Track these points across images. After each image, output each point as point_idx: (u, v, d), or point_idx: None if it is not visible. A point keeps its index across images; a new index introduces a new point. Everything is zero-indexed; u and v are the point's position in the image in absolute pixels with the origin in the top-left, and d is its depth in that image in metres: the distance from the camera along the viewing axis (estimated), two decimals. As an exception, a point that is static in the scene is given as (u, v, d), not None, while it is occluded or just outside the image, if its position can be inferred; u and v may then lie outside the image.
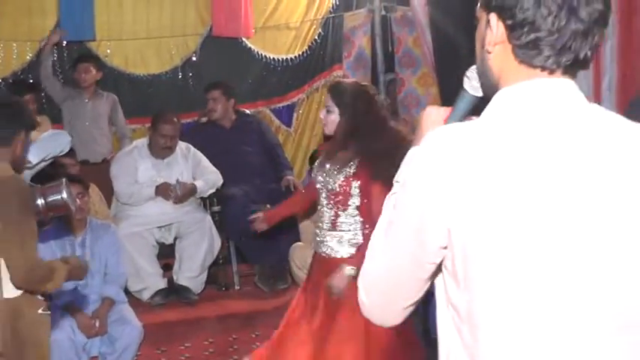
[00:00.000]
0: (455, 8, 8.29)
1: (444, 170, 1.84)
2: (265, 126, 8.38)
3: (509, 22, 1.92)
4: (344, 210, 4.81)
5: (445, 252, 1.89)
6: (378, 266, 2.01)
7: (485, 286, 1.84)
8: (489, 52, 2.00)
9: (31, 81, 8.32)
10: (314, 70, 9.51)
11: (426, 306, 7.06)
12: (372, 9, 9.42)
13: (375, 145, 4.65)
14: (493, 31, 1.96)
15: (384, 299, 2.04)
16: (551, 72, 1.92)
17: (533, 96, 1.90)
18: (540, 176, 1.81)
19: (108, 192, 7.54)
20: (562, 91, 1.90)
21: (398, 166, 2.07)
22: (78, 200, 6.22)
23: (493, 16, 1.95)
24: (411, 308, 2.05)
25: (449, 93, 8.39)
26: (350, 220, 4.81)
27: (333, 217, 4.82)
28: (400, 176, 2.03)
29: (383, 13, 9.43)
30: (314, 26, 9.47)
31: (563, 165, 1.82)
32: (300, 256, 6.51)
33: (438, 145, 1.89)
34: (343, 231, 4.82)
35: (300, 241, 6.88)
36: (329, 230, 4.84)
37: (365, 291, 2.06)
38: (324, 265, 4.85)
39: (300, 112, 9.46)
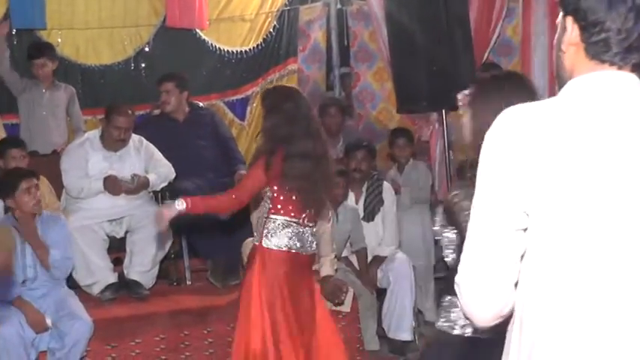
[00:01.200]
0: (411, 3, 8.27)
1: (518, 147, 2.04)
2: (219, 119, 8.26)
3: (582, 23, 2.10)
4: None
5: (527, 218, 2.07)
6: (472, 248, 2.15)
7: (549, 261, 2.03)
8: (564, 52, 2.18)
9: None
10: (268, 63, 9.43)
11: (379, 305, 7.11)
12: (328, 2, 9.41)
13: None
14: (568, 33, 2.15)
15: (480, 282, 2.13)
16: (619, 68, 2.10)
17: (601, 84, 2.09)
18: (606, 157, 2.01)
19: (57, 184, 7.40)
20: (627, 82, 2.10)
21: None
22: (37, 194, 6.18)
23: (569, 19, 2.14)
24: (506, 308, 2.14)
25: (403, 88, 8.39)
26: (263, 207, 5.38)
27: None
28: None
29: (339, 6, 9.43)
30: (269, 19, 9.39)
31: (630, 148, 2.01)
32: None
33: (512, 123, 2.09)
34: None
35: (252, 235, 6.78)
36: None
37: (464, 278, 2.17)
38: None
39: (254, 105, 9.34)
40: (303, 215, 5.33)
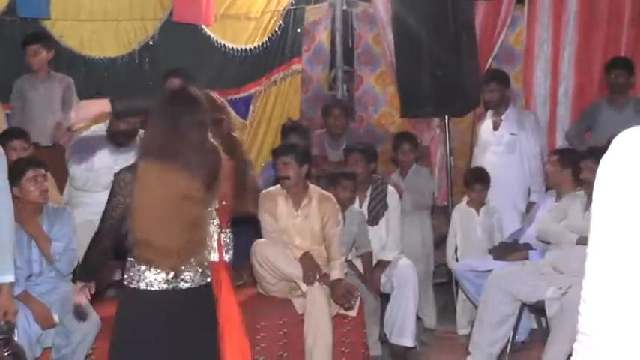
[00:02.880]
0: (418, 7, 8.26)
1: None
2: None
3: None
4: None
5: None
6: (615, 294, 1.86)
7: None
8: None
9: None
10: (272, 63, 9.40)
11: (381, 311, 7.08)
12: (334, 3, 9.36)
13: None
14: None
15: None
16: None
17: None
18: None
19: (59, 177, 7.31)
20: None
21: None
22: (44, 184, 6.11)
23: None
24: None
25: (407, 93, 8.38)
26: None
27: None
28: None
29: (344, 8, 9.38)
30: (274, 18, 9.36)
31: None
32: (261, 253, 6.39)
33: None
34: None
35: (261, 236, 6.74)
36: None
37: (605, 332, 1.87)
38: None
39: (257, 104, 9.35)
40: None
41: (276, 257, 6.31)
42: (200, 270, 4.15)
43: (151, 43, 8.97)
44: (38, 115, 7.97)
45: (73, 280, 6.01)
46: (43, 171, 6.09)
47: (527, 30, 9.02)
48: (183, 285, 4.10)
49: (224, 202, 4.71)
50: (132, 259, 4.10)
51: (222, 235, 4.79)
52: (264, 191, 6.67)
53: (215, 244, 4.71)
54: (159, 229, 3.97)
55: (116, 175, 4.17)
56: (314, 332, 6.10)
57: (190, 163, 3.96)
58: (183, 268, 4.08)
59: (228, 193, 4.75)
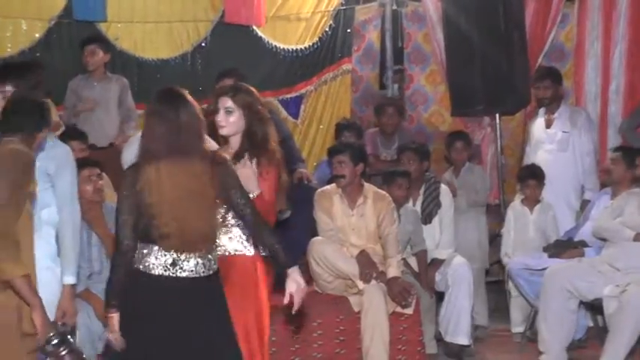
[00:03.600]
0: (469, 6, 8.26)
1: None
2: (277, 118, 8.22)
3: None
4: None
5: None
6: None
7: None
8: None
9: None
10: (323, 63, 9.45)
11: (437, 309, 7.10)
12: (384, 3, 9.38)
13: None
14: None
15: None
16: None
17: None
18: None
19: (115, 177, 7.39)
20: None
21: None
22: (98, 182, 6.19)
23: None
24: None
25: (458, 91, 8.38)
26: None
27: (223, 212, 4.59)
28: None
29: (394, 7, 9.39)
30: (325, 18, 9.41)
31: None
32: (318, 251, 6.42)
33: None
34: (233, 226, 4.77)
35: (317, 234, 6.77)
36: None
37: None
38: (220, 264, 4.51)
39: (308, 104, 9.42)
40: None
41: (333, 255, 6.33)
42: (202, 261, 4.19)
43: (203, 44, 9.06)
44: (94, 116, 8.05)
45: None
46: (97, 170, 6.18)
47: (578, 27, 8.99)
48: (182, 274, 4.15)
49: (258, 197, 4.78)
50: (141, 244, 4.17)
51: None
52: (319, 190, 6.71)
53: (249, 239, 4.81)
54: (187, 218, 4.08)
55: (119, 194, 4.25)
56: (371, 330, 6.12)
57: (193, 151, 4.11)
58: (182, 257, 4.14)
59: (267, 192, 4.87)
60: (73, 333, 4.83)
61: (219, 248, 4.53)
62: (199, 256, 4.17)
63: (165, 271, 4.14)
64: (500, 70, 8.05)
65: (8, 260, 3.85)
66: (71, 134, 7.14)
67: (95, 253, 6.17)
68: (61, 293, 4.73)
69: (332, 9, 9.41)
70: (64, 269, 4.71)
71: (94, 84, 8.08)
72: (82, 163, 6.13)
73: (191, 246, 4.14)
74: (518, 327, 7.50)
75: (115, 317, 4.14)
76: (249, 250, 4.81)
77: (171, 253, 4.12)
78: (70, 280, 4.73)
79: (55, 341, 4.23)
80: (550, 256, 7.10)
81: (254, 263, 4.83)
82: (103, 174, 6.96)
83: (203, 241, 4.17)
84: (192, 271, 4.16)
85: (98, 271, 6.06)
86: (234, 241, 4.79)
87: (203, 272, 4.18)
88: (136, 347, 4.18)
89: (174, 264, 4.14)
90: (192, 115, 4.21)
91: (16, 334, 4.01)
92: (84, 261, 5.94)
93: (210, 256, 4.25)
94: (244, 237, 4.79)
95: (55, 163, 4.63)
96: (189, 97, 4.31)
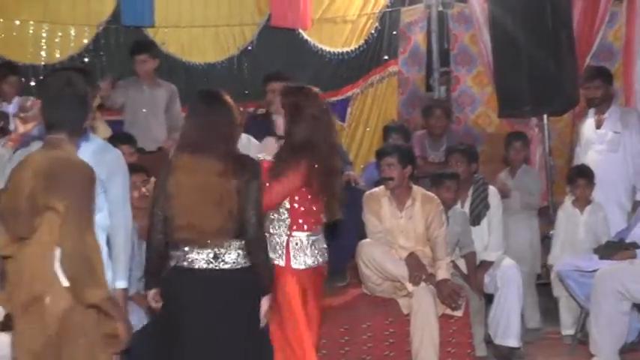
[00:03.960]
0: (515, 6, 8.22)
1: None
2: (326, 120, 8.24)
3: None
4: (275, 212, 4.94)
5: None
6: None
7: None
8: None
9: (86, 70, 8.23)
10: (369, 65, 9.48)
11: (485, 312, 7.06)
12: (430, 4, 9.37)
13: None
14: None
15: None
16: None
17: None
18: None
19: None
20: None
21: None
22: (143, 189, 6.23)
23: None
24: None
25: (505, 92, 8.33)
26: (280, 224, 4.94)
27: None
28: None
29: (440, 8, 9.38)
30: (370, 20, 9.44)
31: None
32: (367, 253, 6.41)
33: None
34: (273, 235, 4.91)
35: (365, 236, 6.76)
36: None
37: None
38: None
39: (355, 106, 9.43)
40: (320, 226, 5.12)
41: (382, 257, 6.32)
42: (242, 252, 4.39)
43: (249, 48, 9.09)
44: (142, 120, 8.10)
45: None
46: (143, 176, 6.21)
47: (627, 26, 8.88)
48: (224, 266, 4.36)
49: (296, 205, 4.90)
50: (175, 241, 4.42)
51: (292, 240, 4.93)
52: (367, 192, 6.70)
53: (282, 249, 4.90)
54: (196, 212, 4.29)
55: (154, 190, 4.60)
56: (421, 332, 6.10)
57: (217, 151, 4.31)
58: (223, 250, 4.36)
59: (304, 198, 4.93)
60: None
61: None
62: (239, 248, 4.39)
63: (208, 264, 4.37)
64: (548, 70, 8.00)
65: (92, 285, 3.76)
66: (120, 138, 7.20)
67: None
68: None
69: (378, 11, 9.43)
70: (116, 274, 4.72)
71: (143, 87, 8.13)
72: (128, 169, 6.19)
73: (202, 239, 4.34)
74: (568, 329, 7.42)
75: (154, 291, 4.58)
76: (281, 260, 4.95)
77: (212, 247, 4.36)
78: (122, 284, 4.73)
79: None
80: (601, 258, 7.01)
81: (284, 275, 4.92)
82: (152, 178, 7.03)
83: (214, 236, 4.34)
84: (233, 263, 4.39)
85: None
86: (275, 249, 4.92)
87: (245, 263, 4.40)
88: (176, 341, 4.43)
89: (216, 257, 4.37)
90: (221, 116, 4.45)
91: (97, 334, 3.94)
92: (135, 264, 5.98)
93: (240, 250, 4.43)
94: (278, 249, 4.94)
95: (106, 169, 4.64)
96: (226, 99, 4.53)
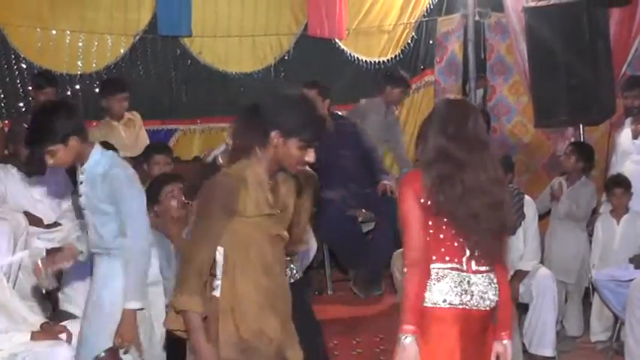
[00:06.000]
0: (552, 16, 8.21)
1: None
2: (361, 130, 8.24)
3: None
4: None
5: None
6: None
7: None
8: None
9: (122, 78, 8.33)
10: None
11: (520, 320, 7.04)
12: (466, 14, 9.34)
13: None
14: None
15: None
16: None
17: None
18: None
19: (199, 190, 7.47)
20: None
21: None
22: (182, 197, 6.25)
23: None
24: None
25: (541, 102, 8.32)
26: None
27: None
28: None
29: (477, 18, 9.34)
30: (407, 30, 9.46)
31: None
32: (402, 263, 6.40)
33: None
34: None
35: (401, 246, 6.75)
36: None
37: None
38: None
39: (392, 116, 9.38)
40: (465, 258, 3.82)
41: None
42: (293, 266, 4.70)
43: (286, 57, 9.12)
44: None
45: None
46: (180, 184, 6.24)
47: (664, 35, 8.84)
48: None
49: None
50: None
51: None
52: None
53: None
54: None
55: None
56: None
57: None
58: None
59: None
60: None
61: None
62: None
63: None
64: (585, 79, 7.99)
65: (184, 292, 3.67)
66: (156, 148, 7.26)
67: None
68: (122, 316, 4.61)
69: (414, 21, 9.44)
70: (128, 295, 4.69)
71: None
72: (164, 179, 6.22)
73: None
74: (596, 336, 7.41)
75: None
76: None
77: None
78: (132, 305, 4.60)
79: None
80: (637, 267, 6.99)
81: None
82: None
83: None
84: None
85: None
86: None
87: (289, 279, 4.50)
88: None
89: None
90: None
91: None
92: (170, 274, 6.02)
93: (292, 265, 4.44)
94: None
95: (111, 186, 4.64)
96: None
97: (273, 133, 3.70)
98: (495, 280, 3.86)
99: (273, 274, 3.84)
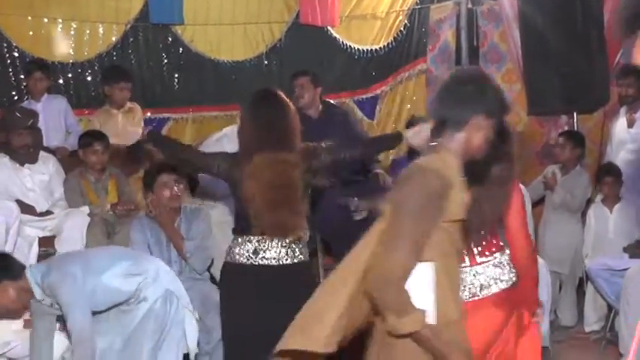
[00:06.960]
0: (545, 3, 8.19)
1: None
2: (352, 118, 8.22)
3: None
4: None
5: None
6: None
7: None
8: None
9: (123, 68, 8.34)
10: (398, 63, 9.44)
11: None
12: (459, 1, 9.32)
13: None
14: None
15: None
16: None
17: None
18: None
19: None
20: None
21: None
22: (175, 188, 6.24)
23: None
24: None
25: (535, 90, 8.28)
26: None
27: None
28: None
29: (469, 5, 9.30)
30: (400, 17, 9.39)
31: None
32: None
33: None
34: None
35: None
36: None
37: None
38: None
39: (384, 104, 9.40)
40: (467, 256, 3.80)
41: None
42: (284, 250, 4.60)
43: (278, 45, 9.06)
44: None
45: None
46: (175, 176, 6.24)
47: (658, 23, 8.78)
48: (265, 262, 4.58)
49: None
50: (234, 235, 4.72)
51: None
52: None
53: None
54: (276, 207, 4.53)
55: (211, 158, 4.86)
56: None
57: (283, 147, 4.57)
58: (265, 246, 4.58)
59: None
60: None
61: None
62: (282, 246, 4.58)
63: (247, 260, 4.58)
64: (578, 68, 7.97)
65: (402, 314, 3.08)
66: (94, 135, 7.21)
67: (174, 255, 6.25)
68: None
69: (407, 8, 9.38)
70: None
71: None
72: (159, 169, 6.23)
73: (278, 232, 4.55)
74: (590, 326, 7.44)
75: None
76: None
77: (253, 243, 4.57)
78: None
79: None
80: (631, 257, 6.98)
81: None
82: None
83: (289, 229, 4.56)
84: (274, 259, 4.57)
85: (177, 272, 6.08)
86: None
87: (286, 260, 4.57)
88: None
89: (255, 252, 4.57)
90: (281, 114, 4.71)
91: None
92: (165, 263, 6.00)
93: (294, 245, 4.63)
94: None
95: None
96: (282, 97, 4.81)
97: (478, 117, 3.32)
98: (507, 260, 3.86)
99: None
